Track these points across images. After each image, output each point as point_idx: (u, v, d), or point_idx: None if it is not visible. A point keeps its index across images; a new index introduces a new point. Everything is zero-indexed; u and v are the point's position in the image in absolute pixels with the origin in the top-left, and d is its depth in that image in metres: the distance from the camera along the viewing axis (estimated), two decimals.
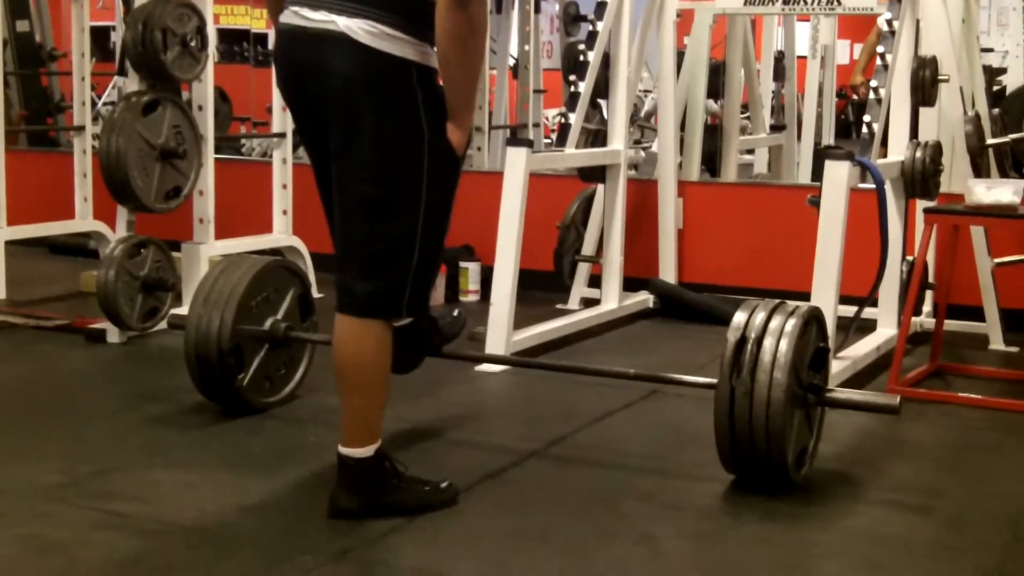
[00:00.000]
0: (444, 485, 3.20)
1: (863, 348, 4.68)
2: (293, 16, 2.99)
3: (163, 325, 4.94)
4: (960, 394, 4.42)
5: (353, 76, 2.89)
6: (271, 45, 5.81)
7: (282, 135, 5.82)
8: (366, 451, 3.05)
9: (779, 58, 8.30)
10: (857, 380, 4.45)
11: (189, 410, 3.95)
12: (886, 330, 4.92)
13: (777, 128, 7.98)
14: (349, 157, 2.96)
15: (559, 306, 5.78)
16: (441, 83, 2.97)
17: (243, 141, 9.14)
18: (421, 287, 3.09)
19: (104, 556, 2.82)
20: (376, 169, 2.94)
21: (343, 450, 3.06)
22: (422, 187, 2.97)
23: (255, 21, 11.08)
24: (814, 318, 3.37)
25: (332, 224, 3.14)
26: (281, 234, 5.83)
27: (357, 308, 3.02)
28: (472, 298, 5.95)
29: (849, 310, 4.42)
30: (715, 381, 3.26)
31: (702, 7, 6.43)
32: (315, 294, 5.63)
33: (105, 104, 9.71)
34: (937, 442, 3.94)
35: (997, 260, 5.20)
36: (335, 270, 3.09)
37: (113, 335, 4.97)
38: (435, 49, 2.93)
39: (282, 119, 5.80)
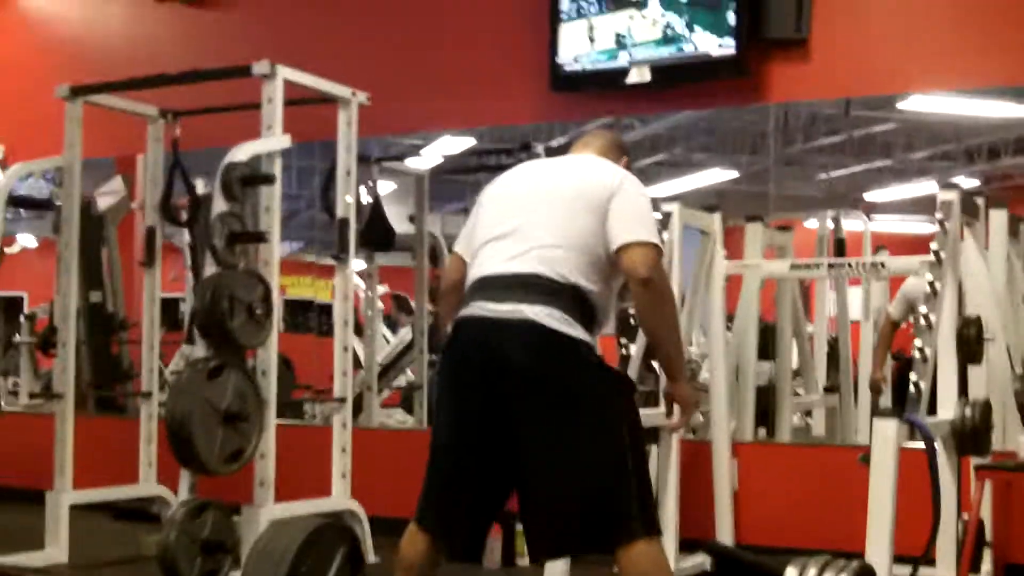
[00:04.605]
0: None
1: None
2: (478, 308, 3.53)
3: None
4: None
5: (539, 350, 3.44)
6: (336, 315, 6.05)
7: (342, 400, 5.96)
8: None
9: (832, 340, 8.44)
10: None
11: None
12: None
13: (831, 390, 8.03)
14: (544, 428, 3.44)
15: (616, 569, 5.74)
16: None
17: (305, 407, 9.29)
18: (647, 500, 3.51)
19: None
20: (576, 431, 3.43)
21: None
22: (620, 428, 3.48)
23: (319, 292, 11.42)
24: (865, 574, 3.36)
25: (458, 482, 3.61)
26: (340, 497, 5.90)
27: (607, 543, 3.42)
28: (525, 561, 5.93)
29: (907, 570, 4.38)
30: None
31: (750, 272, 6.60)
32: (371, 557, 5.77)
33: (172, 373, 9.96)
34: None
35: None
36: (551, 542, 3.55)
37: None
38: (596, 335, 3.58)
39: (343, 384, 5.95)
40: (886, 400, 8.44)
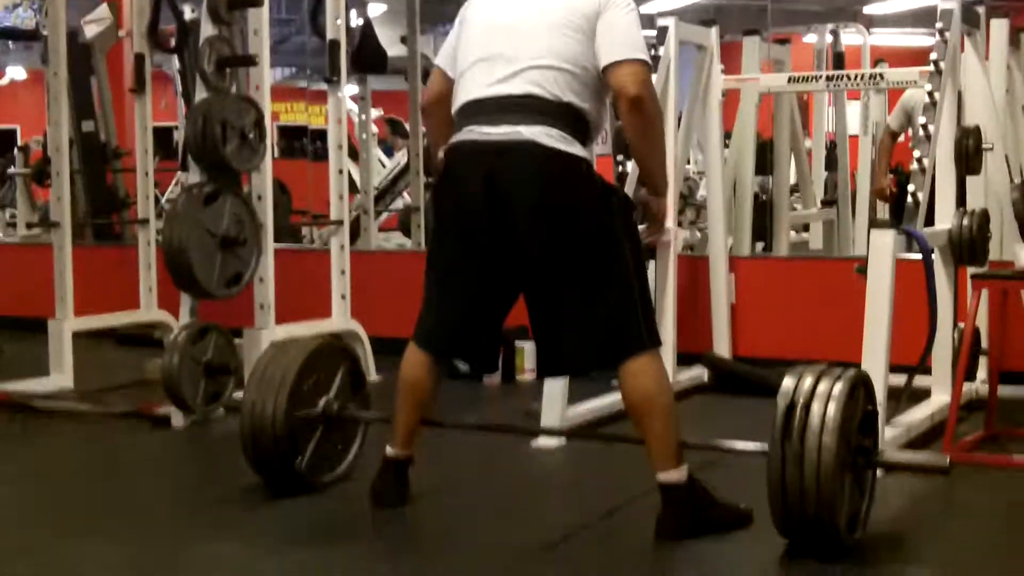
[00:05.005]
0: (744, 506, 3.57)
1: (917, 415, 4.68)
2: (473, 133, 3.51)
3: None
4: (1015, 457, 4.40)
5: (542, 173, 3.43)
6: (329, 139, 6.02)
7: (339, 222, 5.95)
8: (681, 473, 3.46)
9: (830, 148, 8.42)
10: (911, 447, 4.44)
11: (249, 489, 4.01)
12: (940, 397, 4.92)
13: (828, 204, 8.03)
14: (551, 249, 3.47)
15: (614, 382, 5.81)
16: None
17: (304, 233, 9.31)
18: (648, 314, 3.58)
19: None
20: (582, 253, 3.46)
21: (662, 477, 3.45)
22: (623, 244, 3.50)
23: (313, 118, 11.35)
24: (861, 381, 3.41)
25: (459, 301, 3.65)
26: (340, 318, 5.94)
27: (615, 357, 3.49)
28: (528, 376, 6.01)
29: (904, 379, 4.43)
30: (766, 447, 3.30)
31: (747, 86, 6.53)
32: (373, 375, 5.84)
33: (168, 200, 9.95)
34: (992, 505, 3.93)
35: None
36: (567, 352, 3.55)
37: (177, 419, 5.08)
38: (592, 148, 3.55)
39: (339, 207, 5.94)
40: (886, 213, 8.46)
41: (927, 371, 4.80)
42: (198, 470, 4.58)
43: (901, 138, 7.63)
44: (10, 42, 15.78)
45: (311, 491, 3.95)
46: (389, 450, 3.79)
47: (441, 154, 3.66)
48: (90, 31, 8.45)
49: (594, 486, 4.22)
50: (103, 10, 8.53)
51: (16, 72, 17.69)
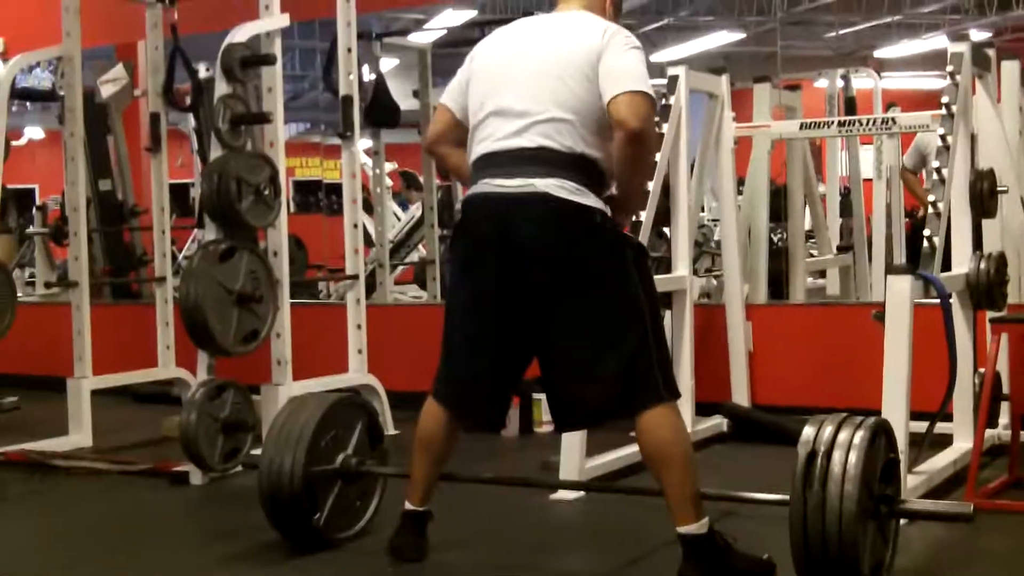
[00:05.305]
0: (766, 557, 3.53)
1: (939, 462, 4.64)
2: (487, 185, 3.54)
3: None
4: None
5: (556, 224, 3.45)
6: (344, 193, 6.05)
7: (355, 277, 5.96)
8: (701, 526, 3.43)
9: (844, 193, 8.42)
10: (934, 494, 4.40)
11: (267, 546, 4.01)
12: (962, 444, 4.88)
13: (844, 249, 8.02)
14: (565, 300, 3.48)
15: (632, 433, 5.79)
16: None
17: (320, 287, 9.33)
18: (665, 365, 3.57)
19: None
20: (595, 303, 3.47)
21: (681, 530, 3.42)
22: (638, 295, 3.51)
23: (328, 173, 11.40)
24: (882, 430, 3.39)
25: (475, 354, 3.64)
26: (357, 373, 5.94)
27: (631, 408, 3.48)
28: (546, 429, 5.98)
29: (924, 426, 4.40)
30: (787, 497, 3.27)
31: (759, 133, 6.54)
32: (390, 429, 5.82)
33: (185, 257, 9.99)
34: (1016, 552, 3.90)
35: None
36: (574, 399, 3.59)
37: (196, 477, 5.07)
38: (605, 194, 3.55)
39: (354, 261, 5.95)
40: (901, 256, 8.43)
41: (948, 418, 4.77)
42: (216, 526, 4.55)
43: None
44: (28, 103, 15.92)
45: (329, 547, 3.94)
46: (407, 505, 3.78)
47: (459, 180, 3.72)
48: (106, 91, 8.52)
49: (613, 538, 4.19)
50: (119, 70, 8.61)
51: (34, 132, 17.84)
